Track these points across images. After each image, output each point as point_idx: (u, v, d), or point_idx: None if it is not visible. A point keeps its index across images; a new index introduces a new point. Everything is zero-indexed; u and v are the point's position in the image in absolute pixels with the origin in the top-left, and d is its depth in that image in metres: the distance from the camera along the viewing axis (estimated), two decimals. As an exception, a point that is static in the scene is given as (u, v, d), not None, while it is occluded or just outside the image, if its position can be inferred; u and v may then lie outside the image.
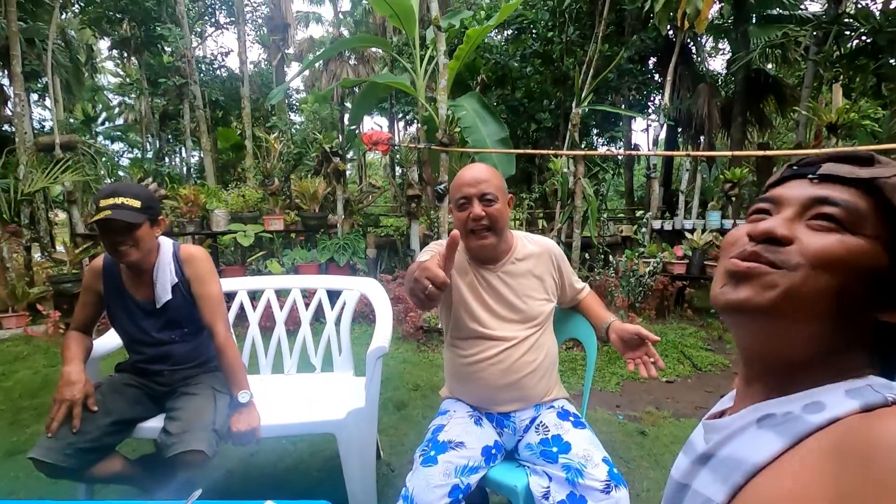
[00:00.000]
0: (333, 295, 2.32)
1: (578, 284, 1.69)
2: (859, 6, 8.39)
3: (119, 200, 1.53)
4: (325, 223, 5.23)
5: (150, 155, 13.47)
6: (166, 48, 11.25)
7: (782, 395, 0.49)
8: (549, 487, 1.30)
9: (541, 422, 1.46)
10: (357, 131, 9.61)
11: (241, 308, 2.30)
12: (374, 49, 14.70)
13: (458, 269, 1.50)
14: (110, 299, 1.72)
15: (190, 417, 1.57)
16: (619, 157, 11.09)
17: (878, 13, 6.51)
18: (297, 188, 5.21)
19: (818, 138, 4.80)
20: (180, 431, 1.51)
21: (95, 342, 1.85)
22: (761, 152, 4.89)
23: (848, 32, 6.46)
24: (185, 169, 14.40)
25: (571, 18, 7.95)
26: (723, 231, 4.94)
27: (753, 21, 9.38)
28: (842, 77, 6.78)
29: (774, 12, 9.77)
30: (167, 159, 14.31)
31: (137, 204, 1.56)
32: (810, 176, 0.51)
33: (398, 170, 12.96)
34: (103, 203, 1.52)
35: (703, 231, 4.90)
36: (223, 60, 13.67)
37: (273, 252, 5.32)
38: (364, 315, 4.52)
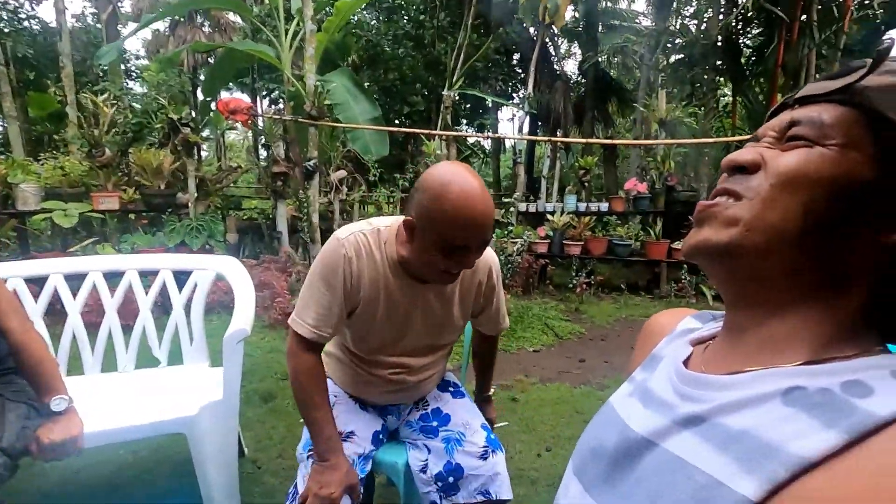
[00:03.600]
0: (184, 278, 2.01)
1: (499, 326, 1.36)
2: (682, 23, 9.84)
3: None
4: (173, 202, 4.59)
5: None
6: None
7: (785, 354, 0.43)
8: (426, 460, 1.26)
9: (421, 397, 1.41)
10: (213, 105, 8.62)
11: (58, 297, 1.88)
12: (233, 17, 13.32)
13: (372, 280, 1.13)
14: None
15: None
16: (488, 146, 11.64)
17: (693, 29, 7.68)
18: (136, 161, 4.48)
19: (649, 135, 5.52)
20: None
21: None
22: (608, 140, 5.46)
23: (670, 45, 7.53)
24: (-21, 139, 11.60)
25: (442, 5, 8.03)
26: (578, 213, 5.44)
27: (600, 28, 10.49)
28: (666, 83, 7.91)
29: (616, 22, 11.04)
30: (-48, 127, 11.39)
31: None
32: (790, 102, 0.48)
33: (263, 152, 11.99)
34: None
35: (562, 213, 5.34)
36: (33, 9, 11.19)
37: (106, 236, 4.52)
38: (225, 304, 4.07)
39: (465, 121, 11.55)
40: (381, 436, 1.33)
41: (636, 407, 0.52)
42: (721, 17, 6.66)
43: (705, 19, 7.50)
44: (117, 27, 11.62)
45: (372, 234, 1.14)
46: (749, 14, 6.77)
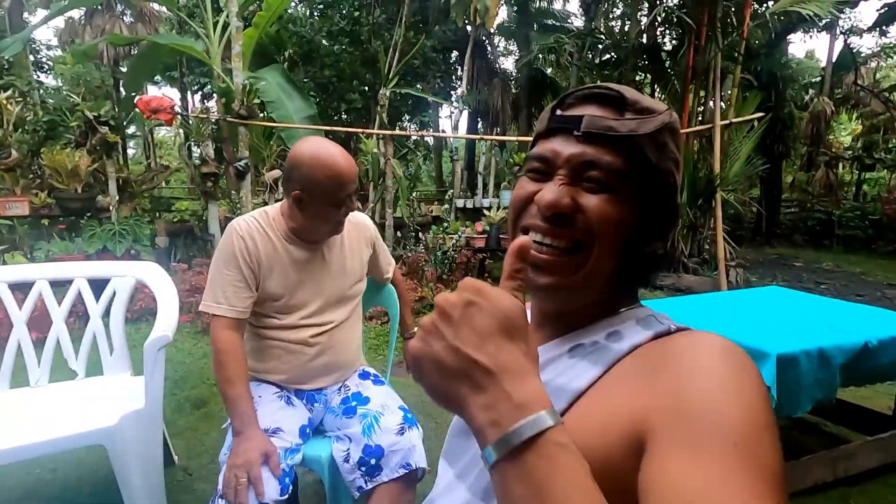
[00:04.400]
0: (102, 287, 1.95)
1: (389, 266, 1.70)
2: (608, 24, 10.33)
3: None
4: (92, 206, 4.33)
5: None
6: None
7: (577, 328, 0.56)
8: (348, 449, 1.32)
9: (344, 384, 1.48)
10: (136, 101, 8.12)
11: (-44, 311, 1.77)
12: (157, 7, 12.54)
13: (269, 254, 1.34)
14: None
15: None
16: (430, 143, 11.72)
17: (617, 31, 8.10)
18: (49, 162, 4.19)
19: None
20: None
21: None
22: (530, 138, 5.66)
23: (599, 46, 7.91)
24: None
25: (378, 1, 8.00)
26: (514, 208, 5.64)
27: (535, 28, 10.82)
28: (596, 81, 8.28)
29: (550, 22, 11.41)
30: None
31: None
32: (576, 133, 0.53)
33: (196, 150, 11.44)
34: None
35: (498, 208, 5.52)
36: (-81, -7, 10.01)
37: (16, 244, 4.20)
38: (152, 311, 3.91)
39: (407, 117, 11.56)
40: (307, 430, 1.37)
41: None
42: (643, 19, 7.09)
43: (627, 22, 7.94)
44: (23, 15, 10.66)
45: (261, 216, 1.37)
46: (669, 17, 7.24)
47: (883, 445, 2.04)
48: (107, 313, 1.94)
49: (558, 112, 0.56)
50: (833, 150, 10.70)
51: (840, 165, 11.90)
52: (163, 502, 1.64)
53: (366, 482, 1.28)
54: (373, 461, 1.28)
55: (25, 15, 10.97)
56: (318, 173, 1.25)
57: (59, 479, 1.97)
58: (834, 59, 11.17)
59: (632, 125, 0.51)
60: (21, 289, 1.88)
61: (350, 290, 1.48)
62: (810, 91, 12.80)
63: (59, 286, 1.94)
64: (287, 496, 1.19)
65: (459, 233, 5.12)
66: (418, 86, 9.44)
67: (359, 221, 1.54)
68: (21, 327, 1.83)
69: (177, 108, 4.14)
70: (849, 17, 11.72)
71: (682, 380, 0.42)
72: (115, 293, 1.95)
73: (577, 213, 0.52)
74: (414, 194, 5.96)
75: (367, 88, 8.39)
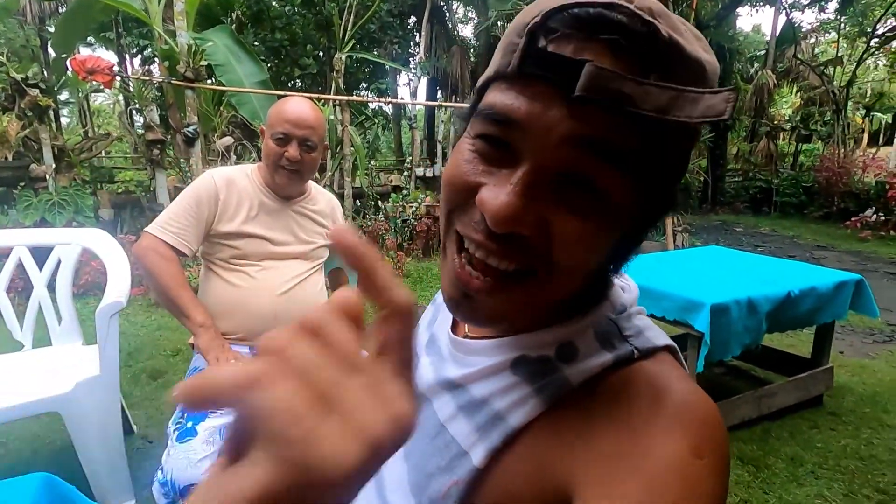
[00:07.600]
0: (44, 257, 1.87)
1: None
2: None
3: None
4: (26, 175, 4.05)
5: None
6: None
7: (522, 328, 0.42)
8: None
9: None
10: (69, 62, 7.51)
11: None
12: (83, -42, 11.46)
13: (244, 194, 1.44)
14: None
15: None
16: (389, 112, 11.50)
17: None
18: (-29, 129, 3.87)
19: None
20: None
21: None
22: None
23: (558, 13, 7.90)
24: None
25: (330, -40, 7.64)
26: (473, 177, 5.68)
27: (493, -7, 10.63)
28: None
29: (508, -12, 11.24)
30: None
31: None
32: (575, 93, 0.30)
33: (139, 118, 10.74)
34: None
35: (458, 177, 5.55)
36: None
37: (-59, 217, 3.91)
38: (99, 286, 3.76)
39: (364, 85, 11.26)
40: None
41: (422, 356, 0.52)
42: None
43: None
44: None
45: (242, 167, 1.50)
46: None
47: (799, 385, 2.27)
48: (52, 284, 1.88)
49: (542, 43, 0.32)
50: (774, 121, 11.27)
51: (781, 136, 12.56)
52: (123, 468, 1.65)
53: None
54: None
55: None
56: (273, 109, 1.39)
57: (13, 453, 1.93)
58: (777, 34, 11.61)
59: (663, 100, 0.30)
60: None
61: (313, 251, 1.55)
62: (755, 64, 13.31)
63: (-3, 256, 1.86)
64: None
65: (419, 201, 5.14)
66: (375, 52, 9.18)
67: (334, 200, 1.66)
68: (-42, 298, 1.75)
69: (115, 70, 3.88)
70: (792, -8, 12.16)
71: (633, 459, 0.33)
72: (59, 261, 1.88)
73: (539, 234, 0.34)
74: (373, 163, 5.89)
75: (321, 53, 8.09)
